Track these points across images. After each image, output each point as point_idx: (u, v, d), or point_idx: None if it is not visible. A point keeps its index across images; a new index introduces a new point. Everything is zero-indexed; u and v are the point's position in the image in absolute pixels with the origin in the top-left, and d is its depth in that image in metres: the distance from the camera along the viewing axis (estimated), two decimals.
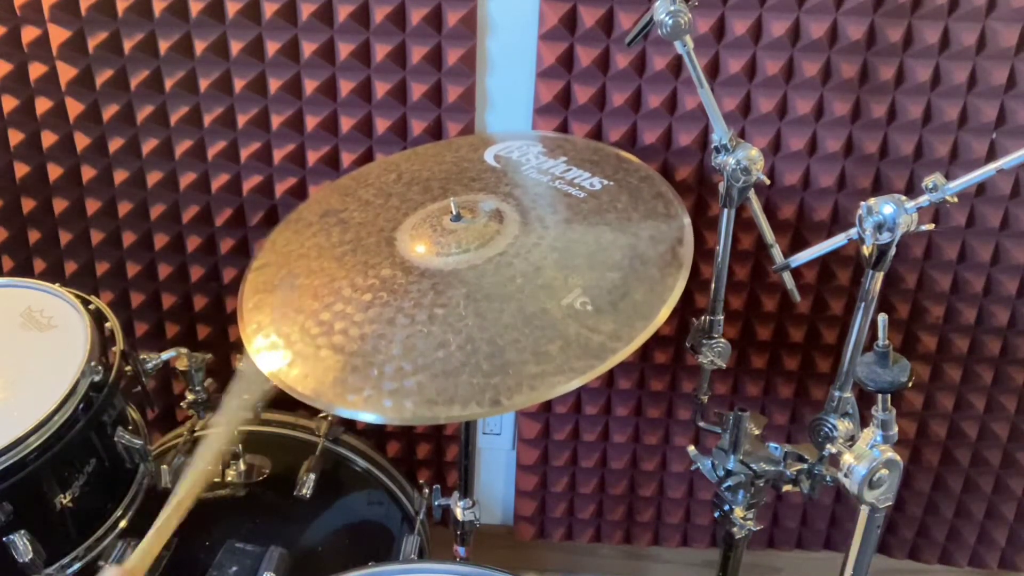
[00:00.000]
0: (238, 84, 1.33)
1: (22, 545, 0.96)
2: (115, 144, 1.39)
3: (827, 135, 1.32)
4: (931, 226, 0.89)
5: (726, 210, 1.07)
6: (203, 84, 1.33)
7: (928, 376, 1.49)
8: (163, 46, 1.31)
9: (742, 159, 1.03)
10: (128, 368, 1.10)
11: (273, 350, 0.97)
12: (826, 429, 0.98)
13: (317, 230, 1.14)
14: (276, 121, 1.36)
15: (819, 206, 1.37)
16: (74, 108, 1.36)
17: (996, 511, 1.60)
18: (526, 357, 0.89)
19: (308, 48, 1.30)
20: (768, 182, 1.25)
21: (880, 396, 0.88)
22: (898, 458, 0.89)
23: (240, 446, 1.26)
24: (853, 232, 0.87)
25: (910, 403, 1.51)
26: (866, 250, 0.87)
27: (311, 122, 1.36)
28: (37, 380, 1.01)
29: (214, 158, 1.39)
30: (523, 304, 0.95)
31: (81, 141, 1.38)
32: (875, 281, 0.89)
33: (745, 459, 1.12)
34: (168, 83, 1.34)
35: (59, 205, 1.44)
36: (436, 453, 1.63)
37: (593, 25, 1.26)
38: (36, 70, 1.33)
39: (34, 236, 1.46)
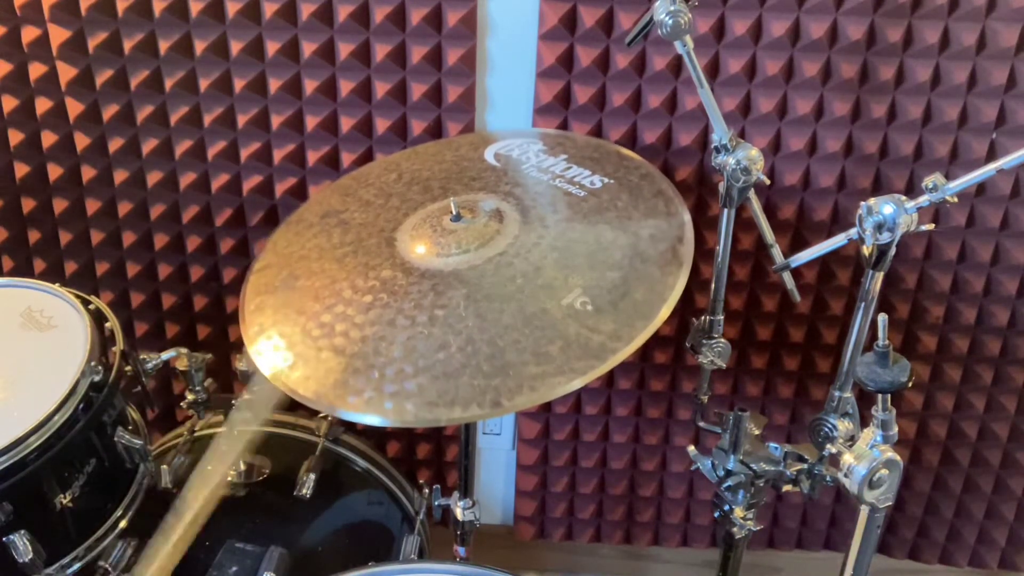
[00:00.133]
0: (238, 84, 1.33)
1: (22, 545, 0.96)
2: (115, 144, 1.39)
3: (827, 135, 1.32)
4: (931, 226, 0.89)
5: (726, 210, 1.07)
6: (203, 84, 1.33)
7: (928, 376, 1.49)
8: (163, 46, 1.31)
9: (742, 159, 1.03)
10: (128, 368, 1.10)
11: (275, 352, 0.97)
12: (826, 429, 0.98)
13: (318, 231, 1.14)
14: (276, 121, 1.36)
15: (819, 206, 1.37)
16: (74, 108, 1.36)
17: (996, 511, 1.60)
18: (526, 358, 0.89)
19: (308, 48, 1.30)
20: (768, 182, 1.25)
21: (880, 396, 0.88)
22: (898, 458, 0.89)
23: None
24: (853, 232, 0.87)
25: (910, 403, 1.51)
26: (866, 250, 0.87)
27: (311, 122, 1.36)
28: (37, 380, 1.01)
29: (214, 158, 1.39)
30: (523, 304, 0.95)
31: (81, 141, 1.38)
32: (875, 281, 0.89)
33: (745, 459, 1.12)
34: (168, 83, 1.34)
35: (59, 205, 1.44)
36: (436, 453, 1.63)
37: (593, 25, 1.26)
38: (36, 70, 1.33)
39: (34, 236, 1.46)
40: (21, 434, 0.94)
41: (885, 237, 0.84)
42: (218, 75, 1.33)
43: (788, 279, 1.16)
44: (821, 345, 1.48)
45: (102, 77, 1.33)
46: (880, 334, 0.89)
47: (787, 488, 1.11)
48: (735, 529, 1.16)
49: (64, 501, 1.00)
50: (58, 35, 1.30)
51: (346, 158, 1.38)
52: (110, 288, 1.51)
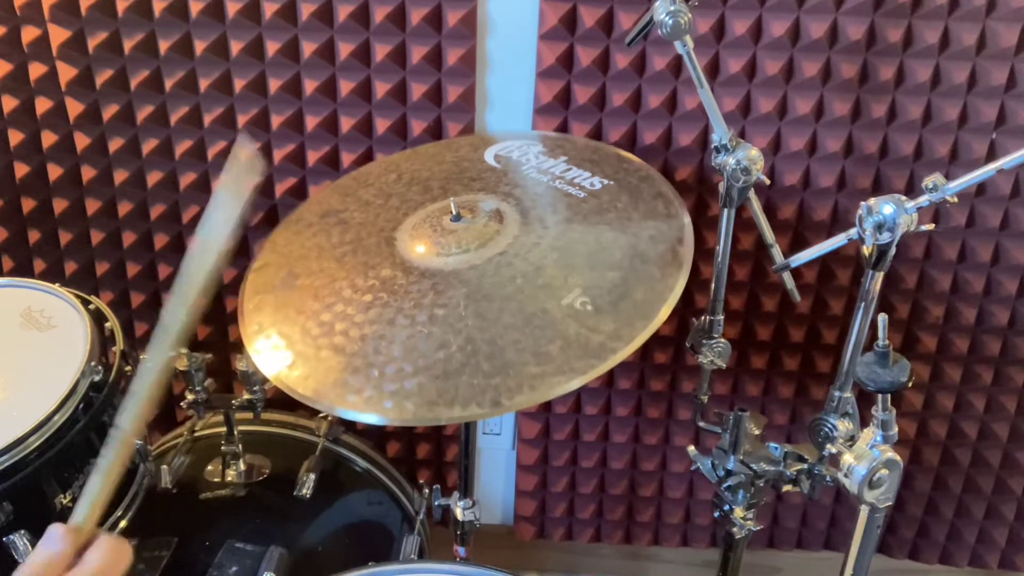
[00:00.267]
0: (238, 84, 1.33)
1: (22, 545, 0.96)
2: (115, 144, 1.39)
3: (827, 135, 1.32)
4: (931, 226, 0.89)
5: (726, 210, 1.07)
6: (203, 84, 1.33)
7: (928, 376, 1.49)
8: (163, 46, 1.31)
9: (742, 159, 1.03)
10: (128, 368, 1.10)
11: (274, 351, 0.97)
12: (826, 429, 0.98)
13: (317, 230, 1.14)
14: (276, 121, 1.36)
15: (819, 206, 1.37)
16: (74, 108, 1.36)
17: (996, 511, 1.60)
18: (526, 358, 0.89)
19: (308, 48, 1.30)
20: (768, 182, 1.24)
21: (880, 396, 0.88)
22: (898, 458, 0.89)
23: (240, 446, 1.26)
24: (853, 232, 0.87)
25: (910, 403, 1.51)
26: (866, 250, 0.87)
27: (311, 122, 1.36)
28: (37, 380, 1.01)
29: (214, 158, 1.39)
30: (523, 304, 0.95)
31: (81, 141, 1.38)
32: (875, 281, 0.89)
33: (745, 459, 1.12)
34: (168, 83, 1.34)
35: (59, 205, 1.44)
36: (436, 453, 1.63)
37: (593, 25, 1.26)
38: (36, 70, 1.33)
39: (34, 236, 1.46)
40: (21, 434, 0.94)
41: (885, 237, 0.84)
42: (218, 75, 1.33)
43: (788, 279, 1.16)
44: (821, 345, 1.48)
45: (102, 77, 1.33)
46: (880, 334, 0.89)
47: (787, 488, 1.11)
48: (735, 529, 1.16)
49: (64, 501, 1.00)
50: (58, 35, 1.30)
51: (346, 158, 1.38)
52: (110, 288, 1.51)
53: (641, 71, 1.30)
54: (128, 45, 1.31)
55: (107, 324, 1.10)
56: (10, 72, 1.33)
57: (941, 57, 1.25)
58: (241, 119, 1.36)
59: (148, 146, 1.39)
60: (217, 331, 1.53)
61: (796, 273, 1.18)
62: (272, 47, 1.30)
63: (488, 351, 0.90)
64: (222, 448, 1.26)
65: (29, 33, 1.31)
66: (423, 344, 0.92)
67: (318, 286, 1.03)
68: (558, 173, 1.16)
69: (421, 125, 1.35)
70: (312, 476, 1.24)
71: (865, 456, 0.88)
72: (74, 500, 1.01)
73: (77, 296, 1.12)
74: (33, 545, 0.96)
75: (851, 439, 0.96)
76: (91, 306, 1.10)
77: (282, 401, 1.30)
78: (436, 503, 1.29)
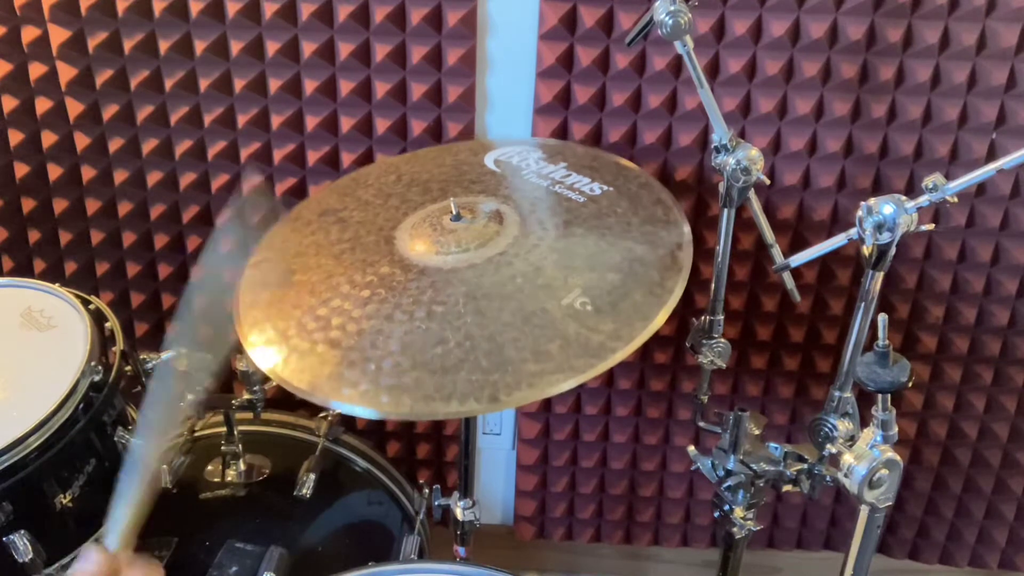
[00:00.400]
0: (238, 84, 1.33)
1: (22, 545, 0.96)
2: (115, 144, 1.39)
3: (827, 135, 1.32)
4: (931, 226, 0.89)
5: (726, 210, 1.07)
6: (203, 84, 1.33)
7: (928, 376, 1.49)
8: (163, 46, 1.31)
9: (742, 159, 1.03)
10: (128, 368, 1.10)
11: (269, 345, 0.96)
12: (826, 429, 0.98)
13: (316, 228, 1.14)
14: (276, 121, 1.36)
15: (819, 206, 1.37)
16: (74, 108, 1.36)
17: (996, 511, 1.60)
18: (525, 355, 0.89)
19: (308, 48, 1.30)
20: (768, 182, 1.24)
21: (880, 396, 0.88)
22: (898, 458, 0.89)
23: (240, 446, 1.26)
24: (853, 232, 0.87)
25: (910, 403, 1.51)
26: (866, 250, 0.87)
27: (311, 122, 1.36)
28: (37, 380, 1.01)
29: (214, 158, 1.39)
30: (523, 303, 0.95)
31: (81, 141, 1.39)
32: (875, 281, 0.89)
33: (745, 459, 1.12)
34: (168, 83, 1.34)
35: (59, 205, 1.44)
36: (436, 453, 1.63)
37: (593, 25, 1.26)
38: (36, 70, 1.33)
39: (34, 236, 1.46)
40: (21, 434, 0.94)
41: (885, 237, 0.84)
42: (218, 75, 1.33)
43: (788, 279, 1.16)
44: (821, 345, 1.48)
45: (102, 77, 1.33)
46: (880, 334, 0.89)
47: (787, 488, 1.11)
48: (735, 529, 1.16)
49: (64, 501, 1.00)
50: (58, 35, 1.30)
51: (346, 158, 1.38)
52: (110, 288, 1.51)
53: (641, 71, 1.30)
54: (128, 45, 1.31)
55: (107, 324, 1.10)
56: (10, 72, 1.33)
57: (941, 57, 1.25)
58: (241, 119, 1.36)
59: (148, 146, 1.39)
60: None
61: (796, 273, 1.18)
62: (272, 47, 1.30)
63: (487, 348, 0.90)
64: (222, 448, 1.26)
65: (29, 33, 1.31)
66: (421, 340, 0.92)
67: (315, 282, 1.03)
68: (558, 178, 1.16)
69: (421, 125, 1.35)
70: (312, 476, 1.24)
71: (865, 456, 0.88)
72: (74, 500, 1.01)
73: (77, 296, 1.12)
74: (33, 545, 0.96)
75: (851, 439, 0.96)
76: (91, 306, 1.10)
77: (282, 401, 1.31)
78: (436, 503, 1.29)
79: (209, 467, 1.26)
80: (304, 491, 1.23)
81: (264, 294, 1.04)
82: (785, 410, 1.54)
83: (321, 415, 1.35)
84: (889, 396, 0.88)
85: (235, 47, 1.30)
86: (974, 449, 1.55)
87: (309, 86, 1.33)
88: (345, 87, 1.33)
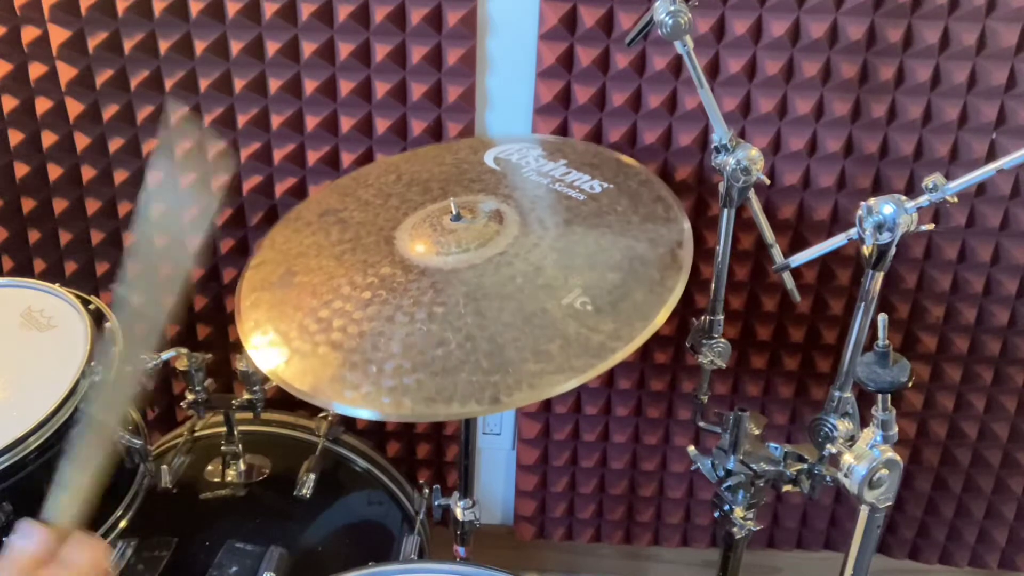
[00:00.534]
0: (238, 84, 1.33)
1: None
2: (115, 144, 1.39)
3: (827, 135, 1.32)
4: (931, 226, 0.89)
5: (726, 210, 1.07)
6: (203, 84, 1.33)
7: (928, 376, 1.49)
8: (163, 46, 1.31)
9: (742, 159, 1.03)
10: (128, 368, 1.10)
11: (270, 347, 0.97)
12: (826, 429, 0.98)
13: (316, 229, 1.14)
14: (276, 121, 1.36)
15: (819, 206, 1.37)
16: (74, 108, 1.36)
17: (996, 511, 1.60)
18: (526, 356, 0.89)
19: (308, 48, 1.30)
20: (768, 182, 1.24)
21: (880, 396, 0.88)
22: (898, 458, 0.89)
23: (240, 446, 1.26)
24: (853, 232, 0.87)
25: (910, 403, 1.51)
26: (866, 250, 0.87)
27: (311, 122, 1.36)
28: (37, 380, 1.01)
29: (214, 158, 1.39)
30: (523, 303, 0.95)
31: (81, 141, 1.38)
32: (875, 281, 0.89)
33: (745, 459, 1.12)
34: (168, 83, 1.34)
35: (59, 205, 1.44)
36: (436, 453, 1.63)
37: (593, 25, 1.26)
38: (36, 70, 1.33)
39: (34, 236, 1.46)
40: (21, 434, 0.94)
41: (885, 237, 0.84)
42: (218, 75, 1.33)
43: (788, 279, 1.16)
44: (821, 345, 1.48)
45: (102, 77, 1.33)
46: (880, 334, 0.89)
47: (787, 488, 1.11)
48: (735, 529, 1.16)
49: None
50: (58, 35, 1.30)
51: (346, 158, 1.38)
52: (110, 288, 1.51)
53: (641, 71, 1.30)
54: (128, 45, 1.31)
55: (107, 324, 1.10)
56: (10, 72, 1.33)
57: (941, 57, 1.25)
58: (241, 119, 1.36)
59: (148, 146, 1.38)
60: (217, 331, 1.53)
61: (796, 273, 1.18)
62: (272, 47, 1.30)
63: (487, 349, 0.90)
64: (222, 448, 1.26)
65: (29, 33, 1.31)
66: (422, 341, 0.92)
67: (316, 283, 1.03)
68: (558, 176, 1.16)
69: (421, 125, 1.35)
70: (312, 476, 1.24)
71: (865, 456, 0.88)
72: None
73: (77, 296, 1.12)
74: None
75: (851, 439, 0.96)
76: (91, 306, 1.10)
77: (282, 401, 1.31)
78: (436, 503, 1.29)
79: (209, 467, 1.26)
80: (304, 491, 1.23)
81: (265, 295, 1.04)
82: (785, 410, 1.54)
83: (321, 415, 1.35)
84: (889, 396, 0.88)
85: (235, 47, 1.30)
86: (974, 449, 1.55)
87: (309, 86, 1.33)
88: (345, 87, 1.33)
